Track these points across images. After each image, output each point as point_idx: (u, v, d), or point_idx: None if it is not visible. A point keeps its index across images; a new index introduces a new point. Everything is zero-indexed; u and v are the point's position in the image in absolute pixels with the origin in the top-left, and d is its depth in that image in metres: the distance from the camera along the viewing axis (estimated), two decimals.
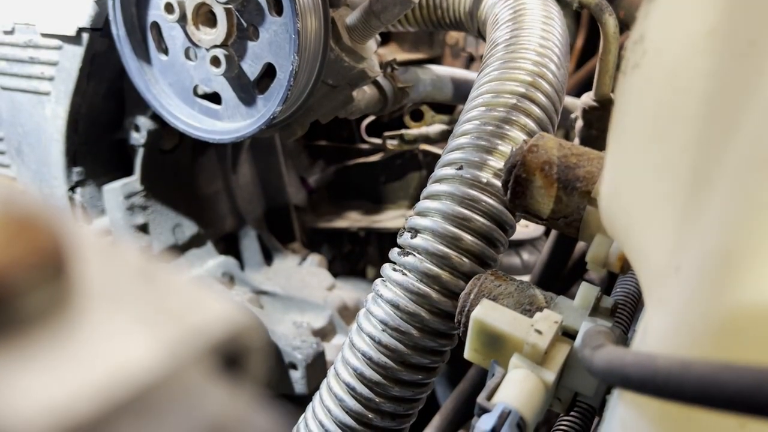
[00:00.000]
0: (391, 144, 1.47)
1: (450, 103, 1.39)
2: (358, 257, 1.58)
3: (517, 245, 1.28)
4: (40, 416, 0.15)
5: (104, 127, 1.11)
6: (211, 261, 1.20)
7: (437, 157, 0.72)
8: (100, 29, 0.99)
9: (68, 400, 0.16)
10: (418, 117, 1.47)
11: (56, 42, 1.02)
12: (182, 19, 0.88)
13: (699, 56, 0.37)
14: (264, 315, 1.09)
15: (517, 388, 0.48)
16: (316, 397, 0.68)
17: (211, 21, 0.88)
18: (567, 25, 0.86)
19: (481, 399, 0.48)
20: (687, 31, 0.38)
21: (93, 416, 0.16)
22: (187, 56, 0.93)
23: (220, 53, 0.87)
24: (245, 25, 0.86)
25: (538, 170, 0.58)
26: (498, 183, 0.66)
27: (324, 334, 1.11)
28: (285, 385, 1.03)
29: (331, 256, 1.51)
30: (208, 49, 0.88)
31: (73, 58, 1.01)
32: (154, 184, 1.15)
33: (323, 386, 0.68)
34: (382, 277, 0.68)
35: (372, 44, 0.97)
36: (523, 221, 0.65)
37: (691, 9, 0.38)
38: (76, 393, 0.16)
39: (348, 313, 1.16)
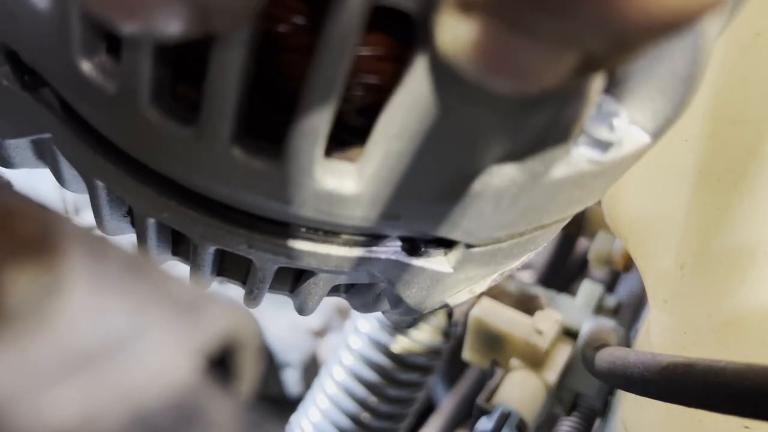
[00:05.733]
0: None
1: None
2: None
3: None
4: (28, 414, 0.15)
5: None
6: None
7: None
8: None
9: (61, 394, 0.15)
10: None
11: None
12: None
13: None
14: (258, 313, 1.08)
15: (517, 389, 0.48)
16: (311, 397, 0.68)
17: None
18: None
19: (480, 400, 0.48)
20: None
21: (85, 414, 0.15)
22: None
23: None
24: None
25: None
26: None
27: (320, 332, 1.11)
28: (279, 385, 1.03)
29: None
30: None
31: None
32: None
33: (318, 386, 0.68)
34: None
35: None
36: None
37: None
38: (67, 392, 0.15)
39: (344, 311, 1.16)
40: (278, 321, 1.10)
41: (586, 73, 0.16)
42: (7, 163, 0.31)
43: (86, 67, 0.22)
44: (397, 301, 0.31)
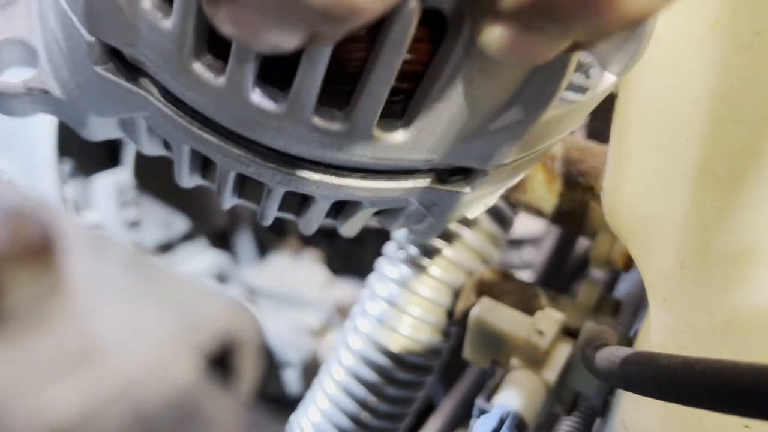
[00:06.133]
0: None
1: None
2: (355, 253, 1.57)
3: (518, 242, 1.28)
4: (28, 419, 0.15)
5: None
6: (203, 256, 1.19)
7: None
8: None
9: (61, 392, 0.15)
10: None
11: None
12: None
13: (702, 47, 0.36)
14: (258, 312, 1.08)
15: (517, 389, 0.48)
16: (310, 397, 0.68)
17: None
18: None
19: (480, 400, 0.48)
20: (690, 22, 0.37)
21: (85, 412, 0.15)
22: None
23: None
24: None
25: (540, 164, 0.58)
26: None
27: (320, 332, 1.11)
28: (279, 385, 1.03)
29: (328, 252, 1.50)
30: None
31: None
32: (147, 178, 1.14)
33: (317, 386, 0.68)
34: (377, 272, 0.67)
35: None
36: (523, 216, 0.64)
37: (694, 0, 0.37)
38: (66, 390, 0.15)
39: (344, 311, 1.15)
40: (278, 321, 1.09)
41: (575, 51, 0.24)
42: (90, 135, 0.40)
43: (196, 66, 0.29)
44: (422, 218, 0.39)
